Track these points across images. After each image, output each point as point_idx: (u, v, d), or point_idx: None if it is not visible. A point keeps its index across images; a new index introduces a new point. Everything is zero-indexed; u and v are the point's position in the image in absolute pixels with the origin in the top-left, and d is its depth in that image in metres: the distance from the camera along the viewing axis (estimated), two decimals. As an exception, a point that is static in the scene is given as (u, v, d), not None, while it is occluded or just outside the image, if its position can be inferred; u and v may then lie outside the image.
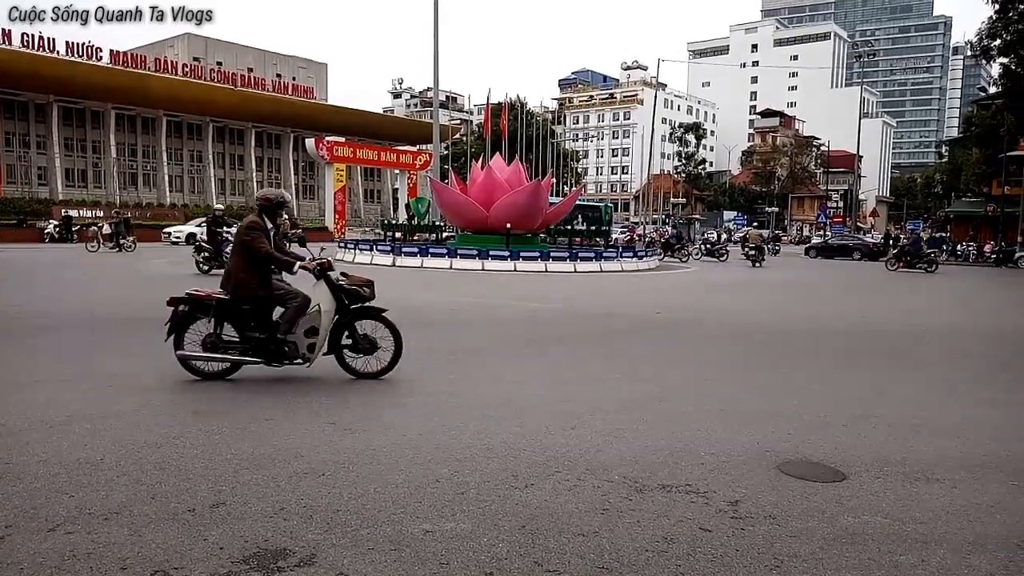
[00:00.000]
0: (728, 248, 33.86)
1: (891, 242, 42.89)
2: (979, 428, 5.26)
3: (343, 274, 6.09)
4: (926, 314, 13.86)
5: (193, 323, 5.92)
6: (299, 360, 5.92)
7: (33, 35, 47.46)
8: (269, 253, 5.82)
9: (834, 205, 75.18)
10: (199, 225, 38.21)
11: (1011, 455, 4.58)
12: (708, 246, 33.60)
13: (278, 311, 5.99)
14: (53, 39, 49.12)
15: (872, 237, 52.84)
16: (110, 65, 53.26)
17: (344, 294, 5.98)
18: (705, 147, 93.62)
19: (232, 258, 6.05)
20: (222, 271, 16.41)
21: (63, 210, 38.26)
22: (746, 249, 29.21)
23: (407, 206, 36.77)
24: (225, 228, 17.94)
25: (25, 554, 2.85)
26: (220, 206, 20.70)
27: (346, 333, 6.08)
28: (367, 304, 6.14)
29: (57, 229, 34.28)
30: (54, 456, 4.03)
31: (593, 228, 31.53)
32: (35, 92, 52.61)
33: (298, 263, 5.86)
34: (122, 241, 26.59)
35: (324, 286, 5.91)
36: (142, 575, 2.72)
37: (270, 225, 6.01)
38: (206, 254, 17.54)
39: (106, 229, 27.07)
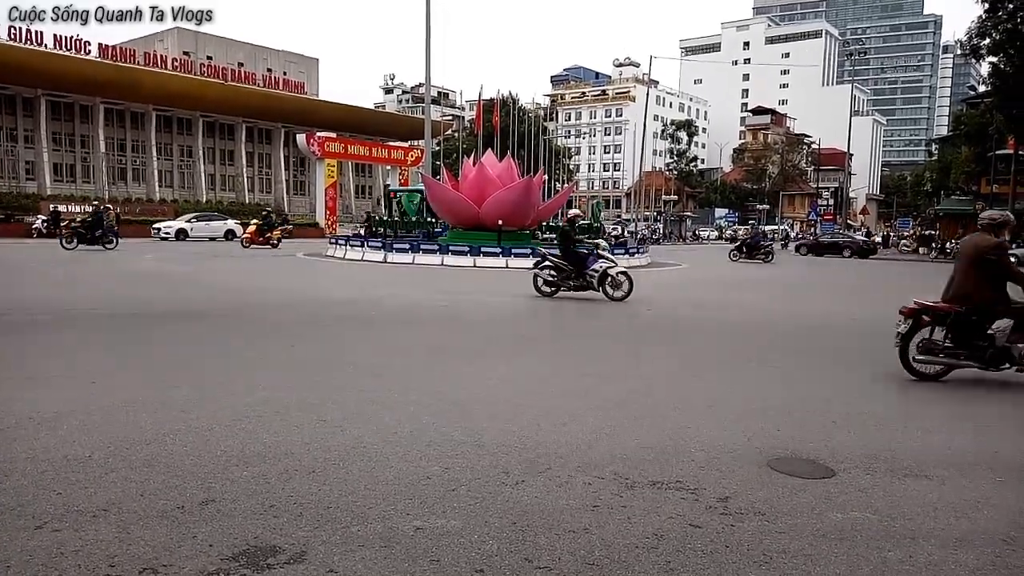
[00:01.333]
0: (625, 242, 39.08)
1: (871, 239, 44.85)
2: (967, 424, 5.30)
3: None
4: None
5: (919, 331, 6.57)
6: (1007, 364, 6.46)
7: (21, 28, 46.99)
8: (1021, 275, 6.52)
9: (824, 203, 75.62)
10: (188, 220, 38.02)
11: (999, 451, 4.61)
12: (613, 239, 38.03)
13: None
14: (41, 32, 48.68)
15: (861, 234, 53.27)
16: (99, 59, 52.87)
17: None
18: (697, 144, 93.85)
19: (966, 273, 6.52)
20: (579, 292, 13.55)
21: (51, 205, 37.97)
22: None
23: (392, 200, 36.59)
24: (583, 237, 13.80)
25: (12, 552, 2.83)
26: (577, 211, 15.62)
27: None
28: None
29: (45, 224, 34.00)
30: (42, 453, 4.00)
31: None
32: (23, 86, 52.17)
33: None
34: None
35: None
36: (131, 573, 2.70)
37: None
38: (552, 272, 13.37)
39: None
